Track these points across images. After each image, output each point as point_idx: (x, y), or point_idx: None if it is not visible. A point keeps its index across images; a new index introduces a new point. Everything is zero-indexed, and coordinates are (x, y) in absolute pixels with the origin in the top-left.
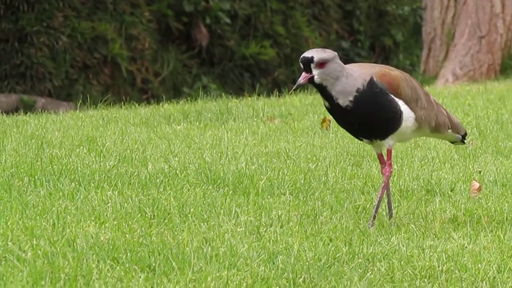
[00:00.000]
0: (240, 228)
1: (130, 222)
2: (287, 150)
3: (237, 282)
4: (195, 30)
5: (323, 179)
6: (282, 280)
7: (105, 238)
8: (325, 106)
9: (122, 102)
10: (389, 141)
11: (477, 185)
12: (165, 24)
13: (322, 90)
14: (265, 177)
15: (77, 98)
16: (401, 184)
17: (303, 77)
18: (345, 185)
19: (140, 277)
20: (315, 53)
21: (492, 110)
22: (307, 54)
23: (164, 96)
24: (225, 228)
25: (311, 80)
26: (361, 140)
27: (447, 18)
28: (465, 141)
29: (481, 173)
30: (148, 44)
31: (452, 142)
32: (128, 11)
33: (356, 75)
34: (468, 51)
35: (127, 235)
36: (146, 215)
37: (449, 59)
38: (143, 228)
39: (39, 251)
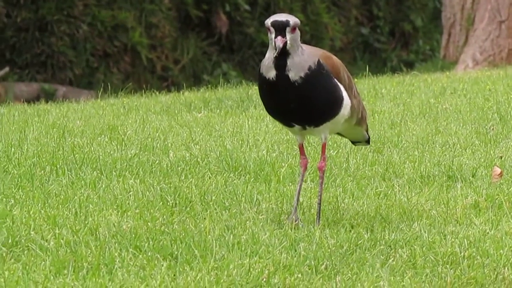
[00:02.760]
0: (261, 215)
1: (152, 211)
2: (308, 137)
3: (259, 269)
4: (215, 17)
5: (344, 165)
6: (304, 267)
7: (127, 226)
8: (265, 79)
9: (143, 90)
10: (323, 132)
11: (498, 170)
12: (185, 11)
13: (283, 58)
14: (286, 164)
15: (97, 86)
16: (422, 170)
17: (281, 41)
18: (366, 171)
19: (163, 265)
20: (290, 17)
21: None
22: (282, 18)
23: (184, 84)
24: (246, 216)
25: (285, 45)
26: (292, 126)
27: (466, 3)
28: (370, 142)
29: (502, 159)
30: (168, 31)
31: (354, 143)
32: None
33: (308, 51)
34: (488, 36)
35: (149, 224)
36: (168, 203)
37: (469, 44)
38: (165, 216)
39: (61, 240)
